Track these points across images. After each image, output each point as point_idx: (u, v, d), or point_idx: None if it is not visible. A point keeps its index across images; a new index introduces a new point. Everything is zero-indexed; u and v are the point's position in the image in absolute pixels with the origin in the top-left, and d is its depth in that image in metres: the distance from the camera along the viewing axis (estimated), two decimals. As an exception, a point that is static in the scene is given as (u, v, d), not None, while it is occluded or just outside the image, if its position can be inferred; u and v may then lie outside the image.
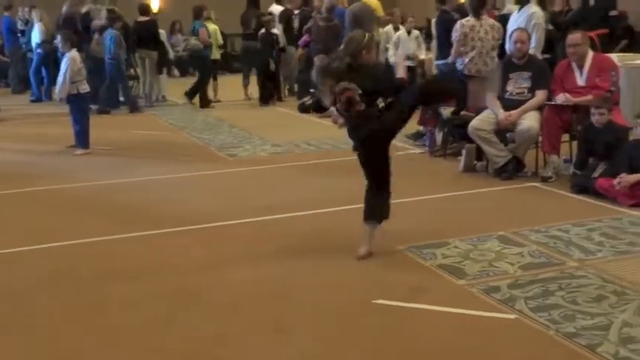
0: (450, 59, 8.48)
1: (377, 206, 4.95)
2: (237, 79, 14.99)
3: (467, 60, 8.09)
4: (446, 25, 8.92)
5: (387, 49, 12.38)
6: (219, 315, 4.06)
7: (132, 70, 14.35)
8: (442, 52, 9.32)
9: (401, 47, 11.74)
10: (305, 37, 13.22)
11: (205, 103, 13.50)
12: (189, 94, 13.69)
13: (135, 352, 3.68)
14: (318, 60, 12.17)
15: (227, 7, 15.03)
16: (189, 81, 15.67)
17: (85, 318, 4.09)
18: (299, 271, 4.72)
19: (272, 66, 13.20)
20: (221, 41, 14.32)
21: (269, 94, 13.45)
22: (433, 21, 11.62)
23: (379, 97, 4.75)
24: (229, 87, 14.59)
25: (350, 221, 5.78)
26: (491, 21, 8.20)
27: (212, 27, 14.10)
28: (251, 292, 4.38)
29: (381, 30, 13.22)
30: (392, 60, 11.88)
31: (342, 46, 4.99)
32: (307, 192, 6.85)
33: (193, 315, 4.08)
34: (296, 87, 14.27)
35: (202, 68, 13.65)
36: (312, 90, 12.43)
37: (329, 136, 9.72)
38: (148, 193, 7.07)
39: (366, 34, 5.01)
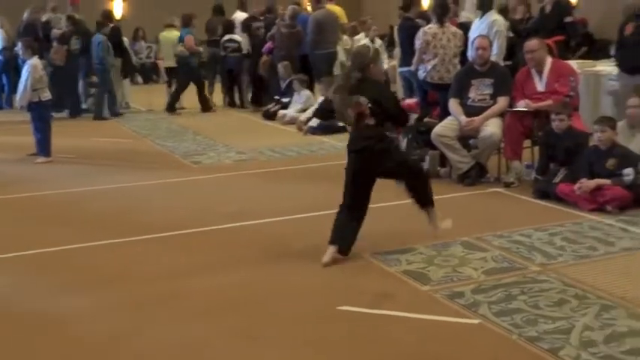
0: (412, 67, 8.54)
1: (345, 233, 4.98)
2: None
3: (429, 67, 8.15)
4: (409, 33, 8.99)
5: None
6: (187, 323, 4.04)
7: (94, 78, 14.22)
8: (405, 60, 9.39)
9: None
10: (269, 44, 13.23)
11: (207, 106, 13.48)
12: (170, 106, 13.65)
13: (98, 362, 3.65)
14: (281, 67, 12.21)
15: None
16: (153, 88, 15.62)
17: (45, 331, 4.04)
18: (265, 278, 4.72)
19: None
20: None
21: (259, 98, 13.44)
22: (396, 28, 11.70)
23: (387, 115, 4.96)
24: (194, 94, 14.51)
25: (315, 228, 5.80)
26: (454, 28, 8.28)
27: (175, 34, 14.03)
28: (218, 299, 4.37)
29: (347, 38, 13.30)
30: None
31: (349, 62, 5.14)
32: (272, 199, 6.84)
33: (160, 324, 4.05)
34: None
35: (188, 75, 13.59)
36: (276, 97, 12.46)
37: (293, 143, 9.74)
38: (112, 201, 7.01)
39: (371, 48, 5.17)
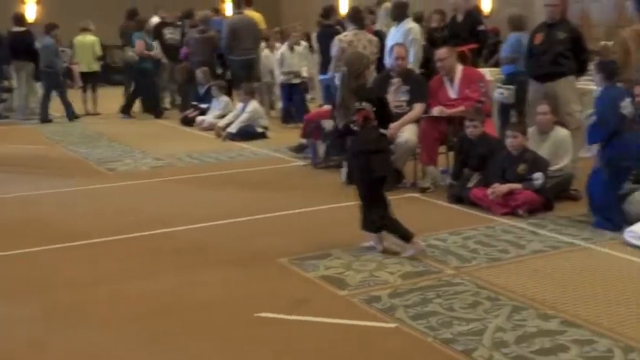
0: (328, 74, 8.59)
1: (367, 219, 5.17)
2: (117, 91, 14.70)
3: None
4: (330, 40, 9.02)
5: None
6: (101, 332, 3.96)
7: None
8: (326, 66, 9.43)
9: (285, 64, 11.68)
10: (184, 50, 13.13)
11: (160, 112, 13.32)
12: (126, 108, 13.43)
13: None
14: (200, 72, 12.11)
15: (106, 19, 14.71)
16: (68, 93, 15.24)
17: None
18: (180, 286, 4.66)
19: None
20: (100, 53, 14.01)
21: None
22: (313, 35, 11.76)
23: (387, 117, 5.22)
24: (108, 99, 14.26)
25: (233, 235, 5.78)
26: (369, 36, 8.36)
27: (91, 39, 13.79)
28: (132, 308, 4.29)
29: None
30: (279, 80, 11.80)
31: (345, 69, 5.19)
32: (190, 206, 6.77)
33: (75, 333, 3.95)
34: (178, 99, 14.13)
35: (138, 79, 13.36)
36: (194, 103, 12.35)
37: (212, 150, 9.68)
38: (23, 209, 6.80)
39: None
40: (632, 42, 7.23)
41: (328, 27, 9.81)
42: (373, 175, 5.07)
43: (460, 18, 10.11)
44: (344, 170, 7.43)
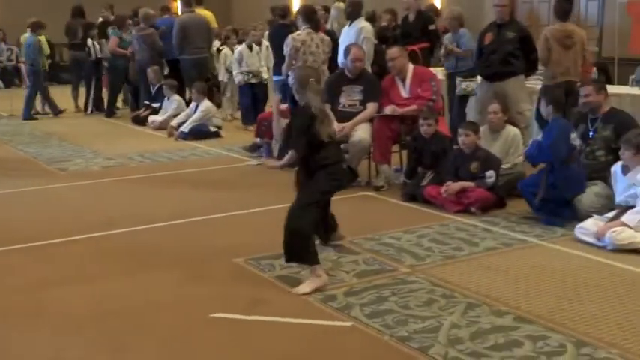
0: (282, 74, 8.53)
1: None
2: (66, 89, 14.47)
3: None
4: (283, 39, 8.95)
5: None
6: (54, 336, 3.89)
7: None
8: (280, 67, 9.39)
9: (244, 64, 11.55)
10: (130, 49, 12.99)
11: (112, 112, 13.20)
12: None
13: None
14: (151, 72, 11.97)
15: (53, 16, 14.45)
16: (15, 92, 14.98)
17: None
18: (134, 288, 4.60)
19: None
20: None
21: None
22: (265, 34, 11.69)
23: None
24: (57, 98, 14.02)
25: (187, 235, 5.73)
26: (322, 35, 8.34)
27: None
28: (84, 311, 4.22)
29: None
30: (237, 79, 11.62)
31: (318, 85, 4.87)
32: (143, 206, 6.70)
33: (26, 337, 3.88)
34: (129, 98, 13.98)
35: (111, 77, 13.25)
36: (146, 102, 12.22)
37: (164, 149, 9.60)
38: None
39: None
40: (553, 40, 7.51)
41: (283, 26, 9.74)
42: None
43: (412, 17, 10.19)
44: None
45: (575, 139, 5.85)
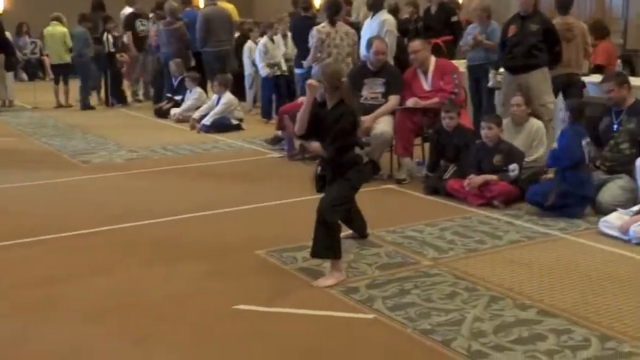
0: (305, 64, 8.55)
1: None
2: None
3: None
4: (307, 32, 8.92)
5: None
6: (74, 327, 3.92)
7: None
8: (302, 60, 9.38)
9: (268, 56, 11.52)
10: (154, 41, 13.04)
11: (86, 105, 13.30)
12: (119, 98, 13.52)
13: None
14: (173, 64, 12.01)
15: (76, 10, 14.53)
16: (39, 85, 15.09)
17: None
18: (156, 279, 4.62)
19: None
20: (70, 44, 13.85)
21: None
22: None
23: None
24: (78, 91, 14.11)
25: (208, 227, 5.75)
26: (346, 28, 8.35)
27: (61, 30, 13.62)
28: (105, 302, 4.24)
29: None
30: (263, 72, 11.58)
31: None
32: (164, 199, 6.73)
33: (47, 329, 3.91)
34: (152, 91, 14.04)
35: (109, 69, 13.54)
36: (168, 95, 12.27)
37: (186, 142, 9.63)
38: (-6, 202, 6.72)
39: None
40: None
41: (305, 18, 9.72)
42: None
43: (434, 9, 10.14)
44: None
45: (586, 146, 5.79)
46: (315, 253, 4.55)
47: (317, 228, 4.48)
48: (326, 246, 4.47)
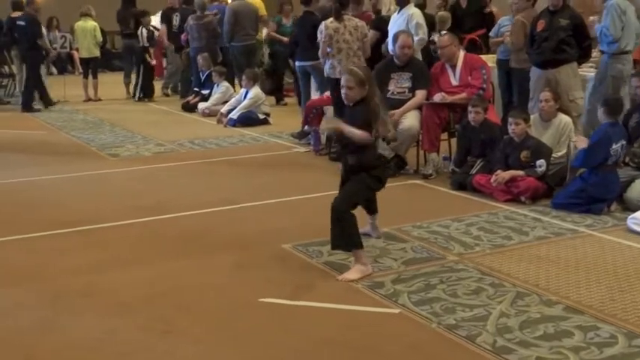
0: (321, 59, 8.35)
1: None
2: (117, 77, 14.66)
3: (336, 62, 7.98)
4: (311, 27, 8.89)
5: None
6: (104, 318, 3.96)
7: (6, 68, 13.82)
8: (303, 54, 9.40)
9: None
10: (184, 36, 13.11)
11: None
12: (146, 92, 13.62)
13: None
14: (201, 58, 12.07)
15: (105, 4, 14.67)
16: (68, 79, 15.23)
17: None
18: (184, 271, 4.67)
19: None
20: (100, 38, 13.98)
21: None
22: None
23: None
24: (109, 85, 14.26)
25: (235, 221, 5.78)
26: (355, 21, 8.13)
27: (91, 24, 13.75)
28: (133, 293, 4.29)
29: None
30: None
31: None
32: (191, 192, 6.78)
33: (76, 319, 3.96)
34: (179, 85, 14.13)
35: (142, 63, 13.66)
36: (196, 89, 12.34)
37: (213, 136, 9.68)
38: (27, 195, 6.80)
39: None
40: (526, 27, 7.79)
41: (307, 13, 9.73)
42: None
43: (464, 3, 10.07)
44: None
45: (617, 150, 5.74)
46: (334, 246, 4.57)
47: (332, 223, 4.50)
48: (344, 238, 4.48)
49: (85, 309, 4.10)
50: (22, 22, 12.67)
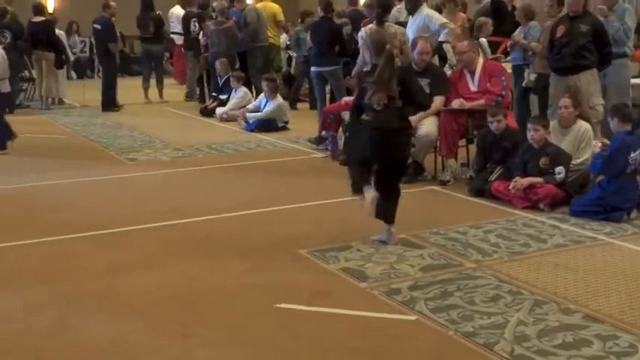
0: (354, 70, 8.36)
1: (383, 209, 5.18)
2: (136, 81, 14.73)
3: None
4: (331, 33, 8.90)
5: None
6: (118, 321, 3.97)
7: (26, 72, 13.92)
8: (318, 59, 9.39)
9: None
10: (203, 41, 13.14)
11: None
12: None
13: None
14: (219, 63, 12.10)
15: (125, 9, 14.74)
16: (88, 83, 15.31)
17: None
18: (200, 276, 4.67)
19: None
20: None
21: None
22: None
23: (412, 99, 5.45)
24: (128, 90, 14.31)
25: (252, 226, 5.78)
26: (395, 28, 8.15)
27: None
28: (150, 297, 4.30)
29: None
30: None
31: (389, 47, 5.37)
32: (209, 197, 6.79)
33: (92, 322, 3.97)
34: (198, 90, 14.16)
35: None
36: (214, 94, 12.36)
37: (231, 141, 9.70)
38: (43, 198, 6.85)
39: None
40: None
41: (324, 19, 9.80)
42: (394, 155, 5.11)
43: (486, 6, 10.02)
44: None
45: (635, 158, 5.69)
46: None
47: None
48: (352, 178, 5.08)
49: (99, 311, 4.12)
50: (98, 26, 12.86)
